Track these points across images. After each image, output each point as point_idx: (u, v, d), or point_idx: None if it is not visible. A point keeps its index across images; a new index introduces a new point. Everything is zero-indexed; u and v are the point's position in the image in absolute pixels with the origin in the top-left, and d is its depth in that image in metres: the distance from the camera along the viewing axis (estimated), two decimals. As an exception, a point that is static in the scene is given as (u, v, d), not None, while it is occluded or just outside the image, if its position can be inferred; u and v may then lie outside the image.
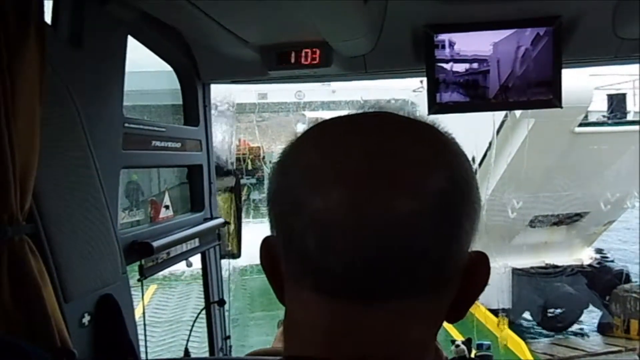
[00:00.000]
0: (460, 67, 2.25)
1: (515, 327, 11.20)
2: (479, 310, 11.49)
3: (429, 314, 0.52)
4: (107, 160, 1.76)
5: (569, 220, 12.25)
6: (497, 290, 11.71)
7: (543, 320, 11.99)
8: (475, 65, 2.24)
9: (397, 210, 0.47)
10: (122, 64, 1.86)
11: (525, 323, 12.17)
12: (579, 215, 12.16)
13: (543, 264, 12.25)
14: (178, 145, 2.27)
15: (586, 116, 10.82)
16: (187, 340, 2.19)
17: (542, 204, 11.28)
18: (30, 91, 1.37)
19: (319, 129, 0.55)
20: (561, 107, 2.20)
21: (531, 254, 12.14)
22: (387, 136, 0.51)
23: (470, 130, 9.82)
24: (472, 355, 2.71)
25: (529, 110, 9.16)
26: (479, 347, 2.71)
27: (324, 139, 0.53)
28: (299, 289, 0.51)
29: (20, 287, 1.37)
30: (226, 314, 2.65)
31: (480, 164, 10.79)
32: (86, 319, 1.62)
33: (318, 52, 2.16)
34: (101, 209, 1.70)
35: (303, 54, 2.16)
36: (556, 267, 12.20)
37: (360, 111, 0.57)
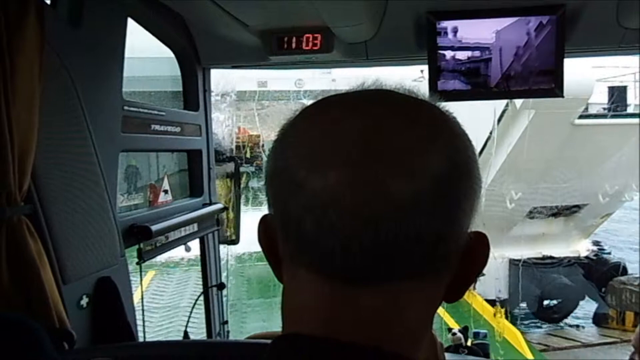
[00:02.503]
0: (462, 55, 2.23)
1: (511, 317, 11.25)
2: (476, 300, 11.51)
3: (427, 295, 0.52)
4: (106, 142, 1.75)
5: (567, 211, 12.27)
6: (494, 281, 11.76)
7: (539, 310, 12.08)
8: (477, 53, 2.23)
9: (395, 192, 0.47)
10: (122, 46, 1.85)
11: (521, 313, 12.20)
12: (577, 207, 12.16)
13: (540, 255, 12.28)
14: (177, 129, 2.26)
15: (586, 108, 10.79)
16: (187, 324, 2.20)
17: (541, 195, 11.27)
18: (29, 70, 1.36)
19: (318, 108, 0.55)
20: (563, 97, 2.19)
21: (529, 245, 12.11)
22: (386, 116, 0.50)
23: (470, 120, 9.91)
24: (469, 344, 2.72)
25: (530, 101, 9.12)
26: (476, 335, 2.73)
27: (322, 118, 0.52)
28: (296, 268, 0.51)
29: (19, 267, 1.37)
30: (224, 299, 2.66)
31: (479, 154, 10.78)
32: (84, 300, 1.62)
33: (319, 37, 2.14)
34: (100, 191, 1.69)
35: (304, 39, 2.14)
36: (553, 258, 12.23)
37: (359, 88, 0.56)
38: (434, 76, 2.24)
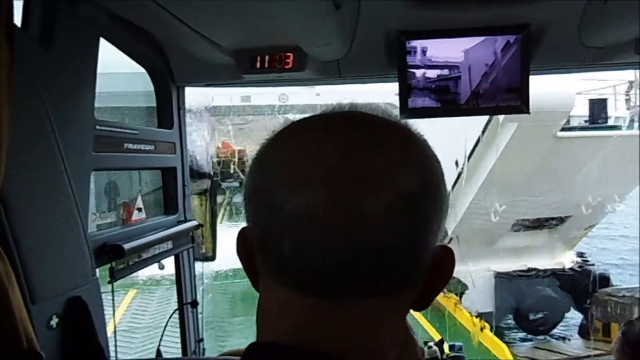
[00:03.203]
0: (432, 73, 2.29)
1: (497, 330, 11.24)
2: (463, 315, 11.50)
3: (398, 308, 0.55)
4: (78, 162, 1.76)
5: (550, 224, 12.32)
6: (480, 294, 11.81)
7: (525, 323, 12.05)
8: (446, 71, 2.29)
9: (369, 213, 0.50)
10: (94, 65, 1.86)
11: (507, 327, 12.23)
12: (561, 219, 12.23)
13: (525, 268, 12.31)
14: (151, 147, 2.27)
15: (568, 121, 10.90)
16: (159, 342, 2.19)
17: (525, 208, 11.33)
18: (-3, 92, 1.37)
19: (295, 130, 0.57)
20: (529, 113, 2.25)
21: (513, 257, 12.22)
22: (360, 138, 0.53)
23: (454, 134, 9.71)
24: (445, 356, 2.73)
25: (513, 115, 9.19)
26: (451, 347, 2.74)
27: (300, 141, 0.55)
28: (274, 283, 0.54)
29: (-16, 287, 1.37)
30: (199, 316, 2.65)
31: (463, 168, 10.81)
32: (54, 321, 1.61)
33: (291, 56, 2.18)
34: (71, 210, 1.69)
35: (277, 58, 2.18)
36: (538, 270, 12.30)
37: (335, 110, 0.59)
38: (405, 94, 2.28)
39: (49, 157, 1.62)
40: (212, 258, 2.81)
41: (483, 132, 10.37)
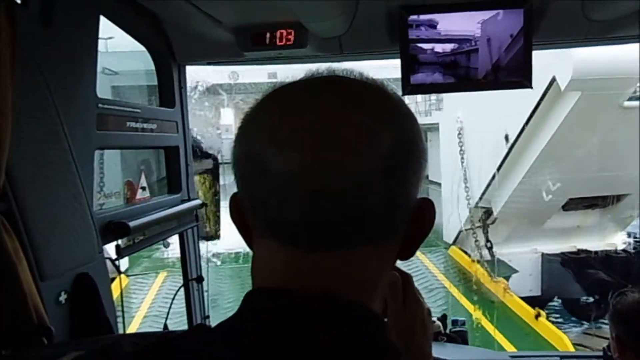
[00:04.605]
0: (442, 47, 2.24)
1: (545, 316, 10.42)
2: (513, 300, 10.62)
3: (380, 257, 0.59)
4: (81, 140, 1.76)
5: (605, 202, 11.34)
6: (526, 277, 11.08)
7: (575, 308, 11.25)
8: (459, 45, 2.24)
9: (349, 171, 0.53)
10: (95, 43, 1.85)
11: (556, 311, 11.43)
12: (617, 198, 11.21)
13: (575, 249, 11.39)
14: (154, 126, 2.27)
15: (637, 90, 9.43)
16: (166, 317, 2.22)
17: (580, 186, 10.30)
18: (0, 71, 1.36)
19: (277, 95, 0.60)
20: (531, 88, 2.24)
21: (562, 238, 11.35)
22: (340, 100, 0.56)
23: (504, 105, 9.02)
24: (448, 331, 2.77)
25: (577, 82, 8.38)
26: (454, 323, 2.78)
27: (282, 105, 0.58)
28: (264, 238, 0.58)
29: (-5, 264, 1.38)
30: (205, 294, 2.68)
31: (514, 142, 9.96)
32: (63, 297, 1.64)
33: (293, 33, 2.17)
34: (76, 188, 1.70)
35: (278, 34, 2.16)
36: (588, 252, 11.32)
37: (314, 75, 0.61)
38: (407, 69, 2.27)
39: (53, 135, 1.62)
40: (216, 237, 2.83)
41: (538, 103, 9.39)
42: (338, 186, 0.53)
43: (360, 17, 2.22)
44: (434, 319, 2.83)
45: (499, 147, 10.48)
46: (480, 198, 11.77)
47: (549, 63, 8.00)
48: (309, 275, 0.55)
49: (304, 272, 0.56)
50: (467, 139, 12.44)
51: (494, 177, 10.92)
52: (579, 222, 11.55)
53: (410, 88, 2.27)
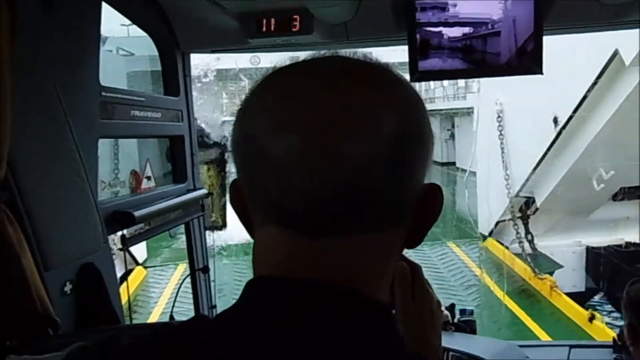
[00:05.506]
0: (456, 32, 2.17)
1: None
2: (562, 301, 9.70)
3: (385, 244, 0.56)
4: (84, 129, 1.74)
5: None
6: (569, 272, 10.34)
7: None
8: (469, 29, 2.18)
9: (351, 156, 0.50)
10: (97, 31, 1.83)
11: (600, 308, 10.38)
12: None
13: (622, 243, 10.35)
14: (158, 115, 2.25)
15: None
16: (172, 307, 2.21)
17: (634, 174, 9.05)
18: (1, 56, 1.34)
19: (277, 77, 0.57)
20: (542, 74, 2.19)
21: (608, 230, 10.38)
22: (341, 83, 0.53)
23: (553, 85, 7.53)
24: (456, 320, 2.75)
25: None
26: (462, 312, 2.76)
27: (282, 86, 0.55)
28: (265, 225, 0.55)
29: (-1, 255, 1.37)
30: (212, 284, 2.67)
31: (564, 126, 9.00)
32: (68, 287, 1.62)
33: (298, 19, 2.13)
34: (80, 177, 1.69)
35: (283, 21, 2.13)
36: (638, 245, 10.22)
37: (316, 57, 0.58)
38: (414, 55, 2.22)
39: (55, 123, 1.60)
40: (223, 227, 2.81)
41: (595, 82, 8.23)
42: (336, 171, 0.50)
43: (366, 2, 2.17)
44: (442, 308, 2.81)
45: (545, 131, 9.46)
46: (522, 187, 10.69)
47: (610, 35, 6.66)
48: (311, 263, 0.53)
49: (306, 260, 0.53)
50: (508, 123, 11.18)
51: (538, 164, 9.93)
52: (629, 213, 10.28)
53: (418, 74, 2.23)
